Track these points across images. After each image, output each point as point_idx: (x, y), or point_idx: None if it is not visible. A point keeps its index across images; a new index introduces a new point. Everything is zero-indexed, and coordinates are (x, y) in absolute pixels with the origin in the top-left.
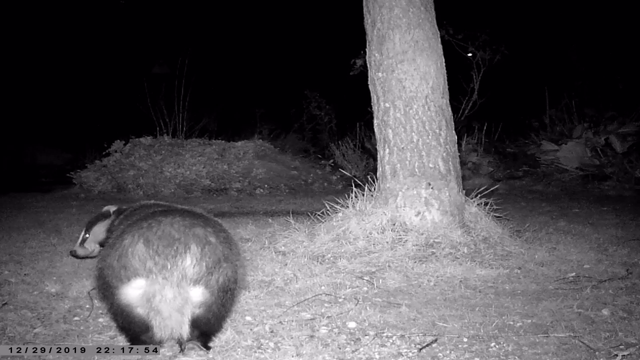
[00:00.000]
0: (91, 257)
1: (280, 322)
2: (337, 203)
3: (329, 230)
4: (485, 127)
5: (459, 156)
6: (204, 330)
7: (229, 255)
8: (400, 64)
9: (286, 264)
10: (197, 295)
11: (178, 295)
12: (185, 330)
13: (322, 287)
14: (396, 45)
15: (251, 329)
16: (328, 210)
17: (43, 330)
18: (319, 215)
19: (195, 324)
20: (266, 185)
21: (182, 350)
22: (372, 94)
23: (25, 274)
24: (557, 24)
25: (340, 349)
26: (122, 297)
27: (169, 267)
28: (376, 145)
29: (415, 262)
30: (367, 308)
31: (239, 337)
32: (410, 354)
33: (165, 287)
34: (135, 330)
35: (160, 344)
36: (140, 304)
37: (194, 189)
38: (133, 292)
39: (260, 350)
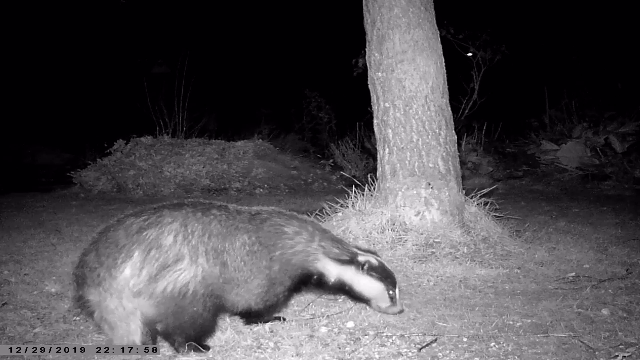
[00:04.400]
0: None
1: (281, 322)
2: (337, 203)
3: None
4: (485, 127)
5: (459, 156)
6: (188, 335)
7: (187, 255)
8: (400, 64)
9: None
10: (144, 306)
11: (120, 306)
12: (137, 339)
13: None
14: (396, 45)
15: (251, 329)
16: (328, 210)
17: (43, 330)
18: (319, 215)
19: (168, 331)
20: (266, 185)
21: (178, 352)
22: (372, 94)
23: (25, 274)
24: (557, 24)
25: (340, 349)
26: (86, 304)
27: (107, 279)
28: (376, 145)
29: (415, 262)
30: (367, 308)
31: (239, 337)
32: (410, 354)
33: (107, 299)
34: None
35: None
36: (96, 312)
37: (194, 189)
38: (92, 298)
39: (260, 350)
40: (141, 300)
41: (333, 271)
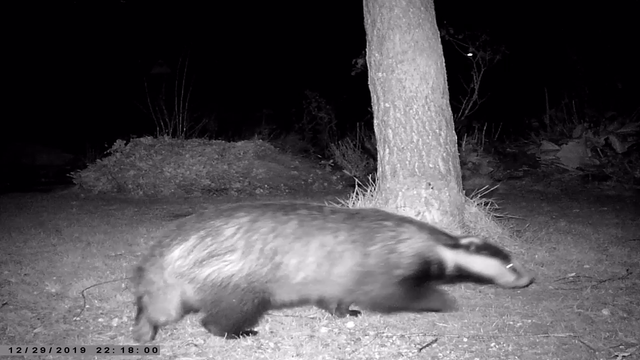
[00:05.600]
0: None
1: (281, 322)
2: (337, 203)
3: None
4: (485, 127)
5: (459, 156)
6: (221, 325)
7: (240, 248)
8: (400, 64)
9: None
10: (186, 287)
11: (160, 279)
12: (173, 311)
13: None
14: (396, 45)
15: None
16: None
17: (43, 330)
18: None
19: (203, 319)
20: (266, 185)
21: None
22: (372, 94)
23: (25, 274)
24: (557, 24)
25: (340, 349)
26: (141, 274)
27: (157, 256)
28: (376, 145)
29: None
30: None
31: (239, 337)
32: (410, 354)
33: (151, 272)
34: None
35: (157, 323)
36: (141, 283)
37: (194, 189)
38: (143, 274)
39: (260, 350)
40: (182, 281)
41: (449, 257)
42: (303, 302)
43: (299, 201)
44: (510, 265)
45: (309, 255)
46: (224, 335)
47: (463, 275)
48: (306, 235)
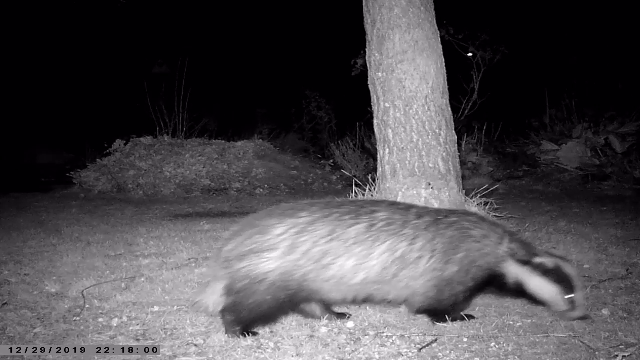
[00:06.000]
0: None
1: (281, 322)
2: None
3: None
4: (485, 127)
5: (459, 156)
6: (238, 316)
7: (282, 247)
8: (400, 64)
9: None
10: (225, 277)
11: (210, 269)
12: (210, 303)
13: None
14: (396, 45)
15: None
16: None
17: (43, 330)
18: None
19: (224, 307)
20: (266, 185)
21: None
22: (372, 94)
23: (25, 274)
24: (557, 24)
25: (340, 349)
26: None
27: (216, 249)
28: (376, 145)
29: None
30: (367, 308)
31: (240, 336)
32: (410, 354)
33: (212, 265)
34: None
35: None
36: None
37: (194, 189)
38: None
39: (260, 350)
40: (221, 270)
41: (513, 272)
42: (366, 301)
43: (386, 202)
44: (570, 296)
45: (371, 258)
46: (238, 327)
47: (519, 291)
48: (371, 240)
